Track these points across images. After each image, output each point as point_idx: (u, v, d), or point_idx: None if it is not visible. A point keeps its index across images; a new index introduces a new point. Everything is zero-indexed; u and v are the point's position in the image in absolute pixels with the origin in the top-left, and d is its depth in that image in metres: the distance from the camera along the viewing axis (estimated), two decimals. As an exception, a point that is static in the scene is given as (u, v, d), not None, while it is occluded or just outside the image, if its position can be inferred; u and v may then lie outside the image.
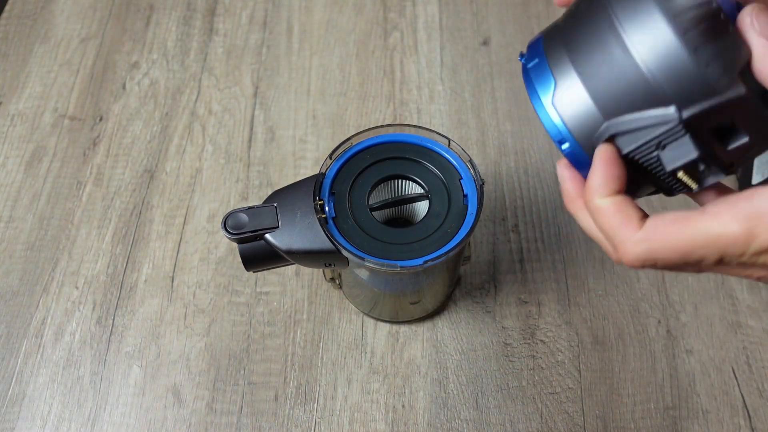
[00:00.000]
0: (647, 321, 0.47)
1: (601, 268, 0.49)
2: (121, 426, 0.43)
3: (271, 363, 0.45)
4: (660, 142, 0.23)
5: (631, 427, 0.43)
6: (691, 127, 0.22)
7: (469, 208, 0.37)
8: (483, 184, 0.37)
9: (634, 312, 0.47)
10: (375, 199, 0.40)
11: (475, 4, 0.64)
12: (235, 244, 0.50)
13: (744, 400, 0.44)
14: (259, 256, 0.36)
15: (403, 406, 0.44)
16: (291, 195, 0.36)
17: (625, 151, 0.23)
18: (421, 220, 0.37)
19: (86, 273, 0.49)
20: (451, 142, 0.39)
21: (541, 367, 0.45)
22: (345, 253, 0.35)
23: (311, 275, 0.49)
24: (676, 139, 0.22)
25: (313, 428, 0.43)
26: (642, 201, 0.31)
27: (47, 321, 0.47)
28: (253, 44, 0.62)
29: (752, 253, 0.23)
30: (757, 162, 0.50)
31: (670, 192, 0.26)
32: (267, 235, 0.35)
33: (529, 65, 0.26)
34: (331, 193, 0.37)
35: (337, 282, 0.46)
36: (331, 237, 0.35)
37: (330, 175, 0.38)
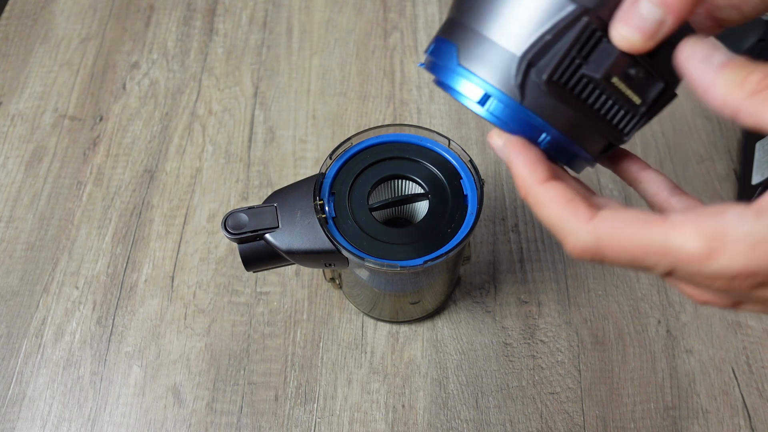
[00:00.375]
0: (647, 321, 0.47)
1: (601, 268, 0.49)
2: (121, 426, 0.43)
3: (271, 363, 0.45)
4: (580, 52, 0.21)
5: (631, 427, 0.43)
6: (604, 25, 0.21)
7: (469, 208, 0.37)
8: (483, 184, 0.37)
9: (634, 312, 0.47)
10: (375, 199, 0.40)
11: (475, 4, 0.64)
12: (235, 244, 0.50)
13: (744, 400, 0.44)
14: (259, 256, 0.36)
15: (403, 406, 0.44)
16: (291, 195, 0.36)
17: (548, 73, 0.22)
18: (421, 220, 0.37)
19: (86, 273, 0.49)
20: (451, 142, 0.39)
21: (541, 367, 0.45)
22: (345, 253, 0.35)
23: (311, 275, 0.49)
24: (595, 44, 0.21)
25: (313, 428, 0.43)
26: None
27: (47, 321, 0.47)
28: (253, 44, 0.62)
29: (706, 275, 0.21)
30: (757, 162, 0.50)
31: (620, 136, 0.24)
32: (267, 235, 0.35)
33: (430, 51, 0.25)
34: (331, 193, 0.37)
35: (337, 282, 0.46)
36: (331, 237, 0.35)
37: (330, 175, 0.38)
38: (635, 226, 0.21)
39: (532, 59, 0.22)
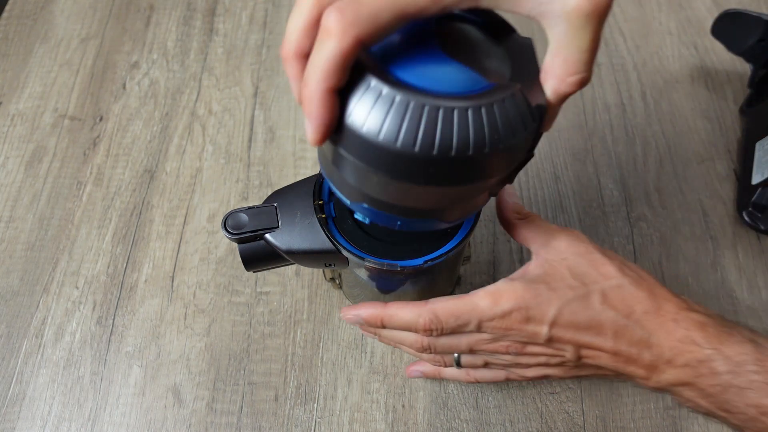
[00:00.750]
0: (647, 321, 0.47)
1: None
2: (122, 426, 0.43)
3: (271, 363, 0.45)
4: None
5: (631, 427, 0.43)
6: None
7: None
8: None
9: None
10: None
11: (476, 4, 0.63)
12: (235, 244, 0.50)
13: (744, 400, 0.44)
14: (259, 256, 0.36)
15: (403, 406, 0.44)
16: (291, 195, 0.36)
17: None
18: None
19: (86, 273, 0.49)
20: None
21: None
22: (345, 253, 0.35)
23: (311, 275, 0.49)
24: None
25: (313, 428, 0.43)
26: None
27: (47, 321, 0.47)
28: (253, 44, 0.62)
29: (496, 316, 0.32)
30: (757, 162, 0.50)
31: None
32: (267, 235, 0.35)
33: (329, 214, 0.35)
34: (331, 193, 0.37)
35: (337, 282, 0.46)
36: (331, 237, 0.35)
37: None
38: (454, 298, 0.33)
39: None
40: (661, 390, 0.34)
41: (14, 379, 0.45)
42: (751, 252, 0.50)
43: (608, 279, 0.33)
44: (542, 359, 0.34)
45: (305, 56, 0.23)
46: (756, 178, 0.49)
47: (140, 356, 0.46)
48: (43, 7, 0.65)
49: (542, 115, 0.25)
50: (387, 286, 0.42)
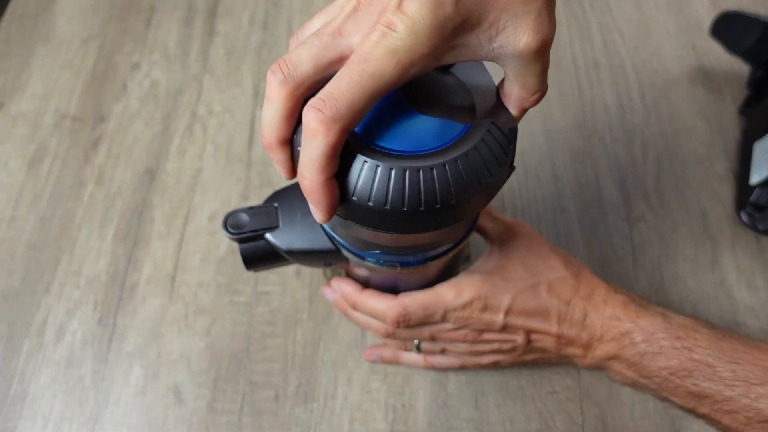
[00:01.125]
0: (646, 321, 0.47)
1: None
2: (123, 425, 0.43)
3: (271, 362, 0.45)
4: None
5: (631, 426, 0.43)
6: None
7: None
8: None
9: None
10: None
11: (475, 5, 0.64)
12: (235, 244, 0.50)
13: (742, 400, 0.44)
14: (259, 255, 0.36)
15: (403, 406, 0.44)
16: (291, 195, 0.36)
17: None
18: None
19: (88, 273, 0.49)
20: None
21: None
22: (345, 252, 0.35)
23: (311, 275, 0.49)
24: None
25: (313, 427, 0.43)
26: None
27: (49, 320, 0.47)
28: (253, 45, 0.62)
29: (459, 306, 0.37)
30: (755, 162, 0.50)
31: None
32: (267, 235, 0.35)
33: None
34: None
35: (338, 282, 0.47)
36: (331, 236, 0.35)
37: None
38: (422, 292, 0.37)
39: None
40: (595, 366, 0.39)
41: (16, 379, 0.45)
42: (750, 252, 0.50)
43: (554, 271, 0.38)
44: (495, 346, 0.39)
45: (287, 142, 0.25)
46: (754, 179, 0.49)
47: (141, 356, 0.46)
48: (45, 8, 0.65)
49: (515, 135, 0.27)
50: (387, 286, 0.42)
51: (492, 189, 0.26)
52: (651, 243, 0.50)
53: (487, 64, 0.27)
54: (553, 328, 0.38)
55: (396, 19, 0.21)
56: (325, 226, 0.34)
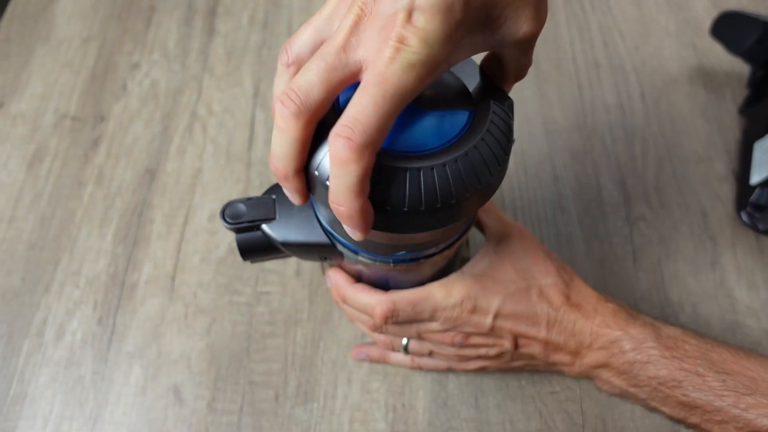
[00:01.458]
0: (646, 321, 0.47)
1: (600, 268, 0.49)
2: (122, 425, 0.43)
3: (271, 362, 0.45)
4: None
5: (630, 426, 0.43)
6: None
7: None
8: None
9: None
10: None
11: (475, 4, 0.64)
12: (235, 245, 0.50)
13: (743, 400, 0.44)
14: (255, 246, 0.36)
15: (403, 406, 0.44)
16: None
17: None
18: None
19: (87, 273, 0.49)
20: None
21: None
22: (339, 247, 0.35)
23: (311, 275, 0.49)
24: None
25: (313, 427, 0.43)
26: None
27: (49, 320, 0.47)
28: (253, 45, 0.62)
29: (449, 306, 0.36)
30: (756, 162, 0.50)
31: None
32: (264, 226, 0.35)
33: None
34: None
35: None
36: (326, 231, 0.35)
37: None
38: (413, 290, 0.37)
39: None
40: (583, 375, 0.39)
41: (16, 379, 0.45)
42: (750, 252, 0.50)
43: (546, 276, 0.38)
44: (482, 351, 0.39)
45: (302, 170, 0.25)
46: (754, 179, 0.49)
47: (141, 356, 0.46)
48: (45, 8, 0.65)
49: (512, 107, 0.28)
50: (382, 282, 0.42)
51: (490, 188, 0.26)
52: (651, 243, 0.50)
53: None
54: (542, 333, 0.37)
55: (408, 33, 0.21)
56: (322, 220, 0.34)
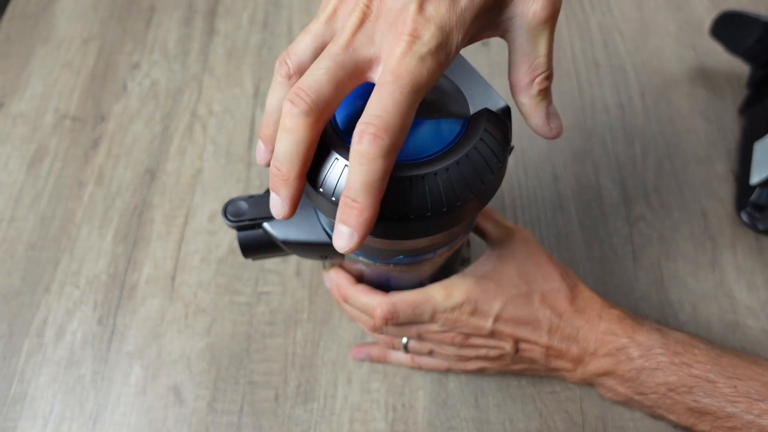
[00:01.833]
0: (646, 321, 0.47)
1: (600, 268, 0.49)
2: (122, 425, 0.43)
3: (271, 362, 0.45)
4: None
5: (630, 426, 0.43)
6: None
7: None
8: None
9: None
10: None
11: (475, 5, 0.64)
12: (236, 245, 0.50)
13: (742, 400, 0.44)
14: (256, 244, 0.36)
15: (403, 406, 0.44)
16: None
17: None
18: None
19: (87, 273, 0.49)
20: None
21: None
22: None
23: (311, 275, 0.49)
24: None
25: (313, 427, 0.43)
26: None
27: (49, 320, 0.47)
28: (253, 45, 0.62)
29: (449, 308, 0.36)
30: (756, 162, 0.50)
31: None
32: (265, 224, 0.35)
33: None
34: None
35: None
36: (327, 230, 0.35)
37: None
38: (413, 291, 0.37)
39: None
40: (584, 382, 0.39)
41: (16, 379, 0.45)
42: (750, 252, 0.50)
43: (549, 281, 0.37)
44: (482, 352, 0.39)
45: (304, 176, 0.24)
46: (754, 179, 0.49)
47: (141, 356, 0.46)
48: (45, 8, 0.65)
49: (509, 113, 0.27)
50: (382, 283, 0.42)
51: (488, 191, 0.26)
52: (651, 243, 0.50)
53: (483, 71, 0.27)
54: (543, 338, 0.37)
55: (419, 26, 0.21)
56: (321, 220, 0.35)
